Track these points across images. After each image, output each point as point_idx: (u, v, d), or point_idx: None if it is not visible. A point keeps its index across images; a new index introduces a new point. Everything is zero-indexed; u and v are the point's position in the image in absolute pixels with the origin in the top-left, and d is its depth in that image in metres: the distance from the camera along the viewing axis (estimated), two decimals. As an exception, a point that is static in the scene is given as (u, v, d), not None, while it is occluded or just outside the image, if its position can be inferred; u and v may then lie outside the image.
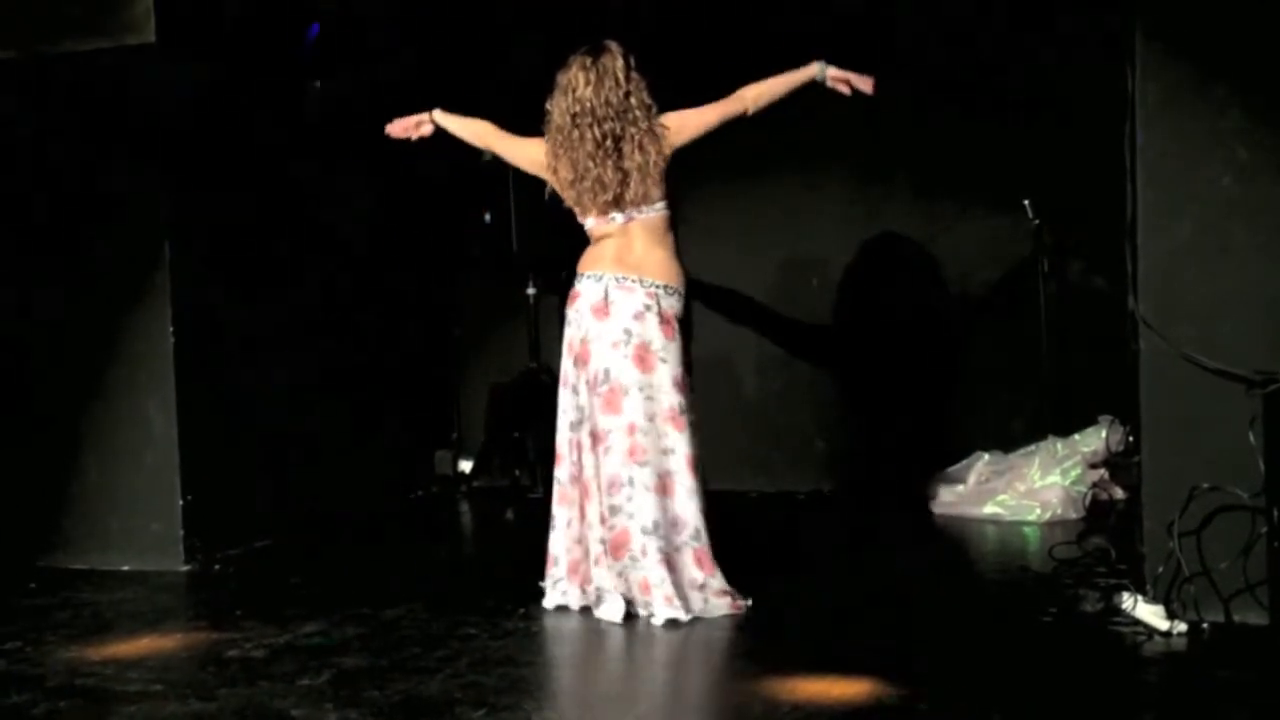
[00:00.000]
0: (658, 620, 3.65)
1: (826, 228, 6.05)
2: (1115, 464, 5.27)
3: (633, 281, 3.77)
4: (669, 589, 3.65)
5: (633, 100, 3.75)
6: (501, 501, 6.12)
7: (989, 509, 5.28)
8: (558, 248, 5.91)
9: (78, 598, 4.24)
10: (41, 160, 4.76)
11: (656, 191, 3.79)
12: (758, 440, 6.16)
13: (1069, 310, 5.68)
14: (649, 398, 3.73)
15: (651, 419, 3.72)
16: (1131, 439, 4.98)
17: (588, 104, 3.74)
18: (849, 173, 6.03)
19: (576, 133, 3.75)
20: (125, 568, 4.66)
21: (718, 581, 3.73)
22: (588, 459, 3.79)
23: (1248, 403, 3.35)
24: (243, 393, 4.97)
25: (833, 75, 3.93)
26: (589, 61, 3.78)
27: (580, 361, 3.81)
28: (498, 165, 6.14)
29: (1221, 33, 3.45)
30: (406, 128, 4.24)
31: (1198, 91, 3.45)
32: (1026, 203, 5.55)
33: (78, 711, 3.05)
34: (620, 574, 3.70)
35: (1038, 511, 5.17)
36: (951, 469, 5.56)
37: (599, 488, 3.74)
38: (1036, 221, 5.57)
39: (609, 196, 3.77)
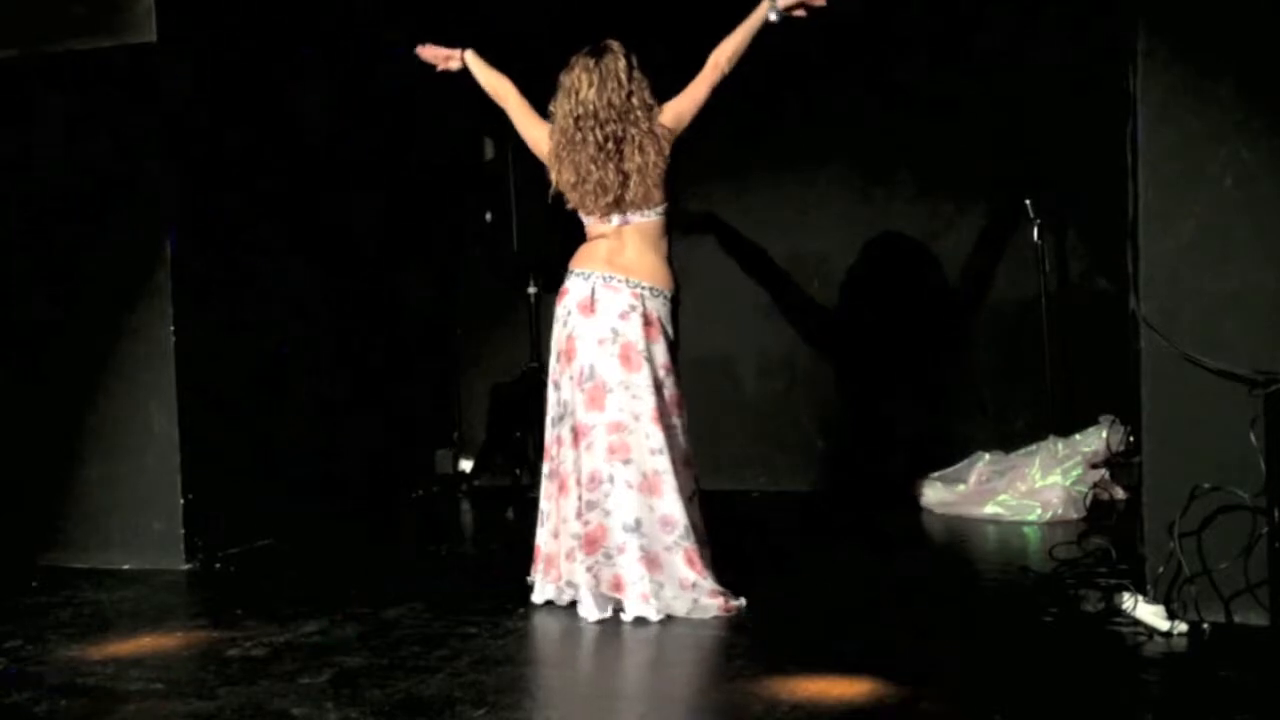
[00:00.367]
0: (626, 616, 3.66)
1: (828, 227, 6.05)
2: (1116, 464, 5.27)
3: (619, 281, 3.78)
4: (645, 587, 3.65)
5: (634, 101, 3.76)
6: (502, 501, 6.12)
7: (990, 509, 5.28)
8: (559, 247, 5.94)
9: (79, 596, 4.24)
10: (43, 158, 4.76)
11: (657, 194, 3.80)
12: (759, 439, 6.17)
13: (1070, 310, 5.68)
14: (634, 396, 3.73)
15: (637, 418, 3.73)
16: (1132, 439, 4.99)
17: (590, 106, 3.75)
18: (850, 172, 6.03)
19: (579, 135, 3.76)
20: (126, 566, 4.67)
21: (709, 582, 3.72)
22: (567, 454, 3.80)
23: (1249, 403, 3.35)
24: (244, 392, 4.97)
25: (783, 4, 3.91)
26: (592, 63, 3.78)
27: (565, 357, 3.83)
28: (499, 165, 6.21)
29: (1223, 32, 3.45)
30: (436, 56, 4.22)
31: (1199, 91, 3.45)
32: (1028, 202, 5.55)
33: (79, 710, 3.05)
34: (590, 569, 3.71)
35: (1038, 511, 5.17)
36: (952, 469, 5.56)
37: (577, 482, 3.75)
38: (1038, 221, 5.57)
39: (610, 199, 3.78)
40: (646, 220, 3.83)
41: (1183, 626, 3.38)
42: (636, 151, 3.75)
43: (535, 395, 6.31)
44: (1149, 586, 3.51)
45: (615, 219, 3.82)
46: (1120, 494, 5.22)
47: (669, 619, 3.66)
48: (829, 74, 5.95)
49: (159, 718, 2.98)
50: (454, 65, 4.16)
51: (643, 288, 3.79)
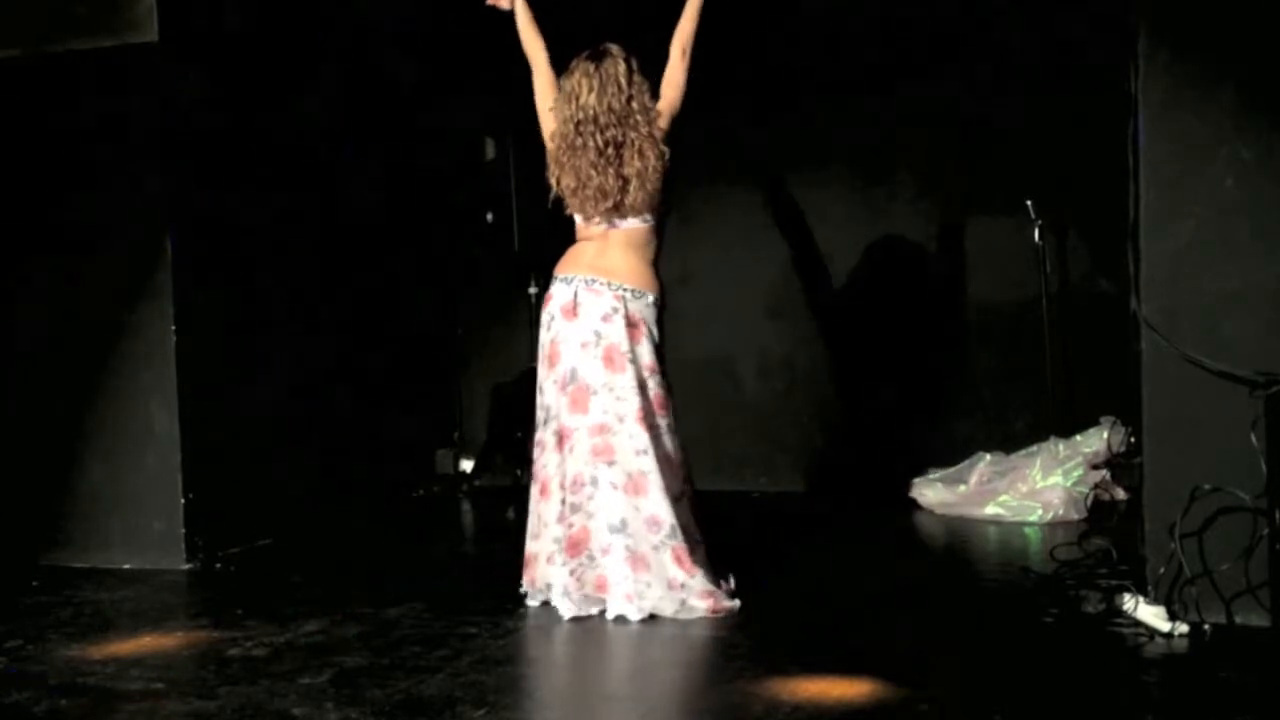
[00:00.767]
0: (609, 615, 3.67)
1: (829, 228, 6.05)
2: (1117, 465, 5.27)
3: (601, 284, 3.79)
4: (629, 587, 3.66)
5: (634, 105, 3.77)
6: (503, 501, 6.12)
7: (990, 509, 5.28)
8: (560, 248, 5.94)
9: (79, 596, 4.25)
10: (44, 158, 4.76)
11: (654, 200, 3.81)
12: (760, 440, 6.17)
13: (1071, 311, 5.68)
14: (618, 398, 3.73)
15: (621, 419, 3.73)
16: (1133, 440, 4.99)
17: (590, 111, 3.75)
18: (852, 173, 6.03)
19: (580, 140, 3.76)
20: (127, 566, 4.67)
21: (699, 582, 3.71)
22: (550, 457, 3.81)
23: (1250, 404, 3.35)
24: (245, 392, 4.97)
25: None
26: (592, 68, 3.79)
27: (550, 362, 3.83)
28: (500, 165, 6.22)
29: (1225, 33, 3.45)
30: None
31: (1201, 92, 3.45)
32: (1029, 203, 5.55)
33: (79, 710, 3.05)
34: (573, 572, 3.71)
35: (1039, 512, 5.17)
36: (953, 469, 5.56)
37: (560, 486, 3.76)
38: (1039, 222, 5.57)
39: (609, 204, 3.79)
40: (634, 227, 3.84)
41: (1183, 627, 3.38)
42: (636, 156, 3.75)
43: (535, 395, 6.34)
44: (1150, 587, 3.51)
45: (604, 223, 3.83)
46: (1121, 495, 5.22)
47: (666, 620, 3.66)
48: (830, 75, 5.95)
49: (159, 717, 2.98)
50: (504, 3, 4.08)
51: (625, 290, 3.79)
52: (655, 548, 3.70)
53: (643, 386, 3.77)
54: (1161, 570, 3.47)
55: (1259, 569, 3.36)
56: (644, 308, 3.83)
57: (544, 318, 3.88)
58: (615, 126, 3.75)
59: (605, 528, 3.69)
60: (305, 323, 5.41)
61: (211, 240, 4.82)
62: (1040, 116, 5.60)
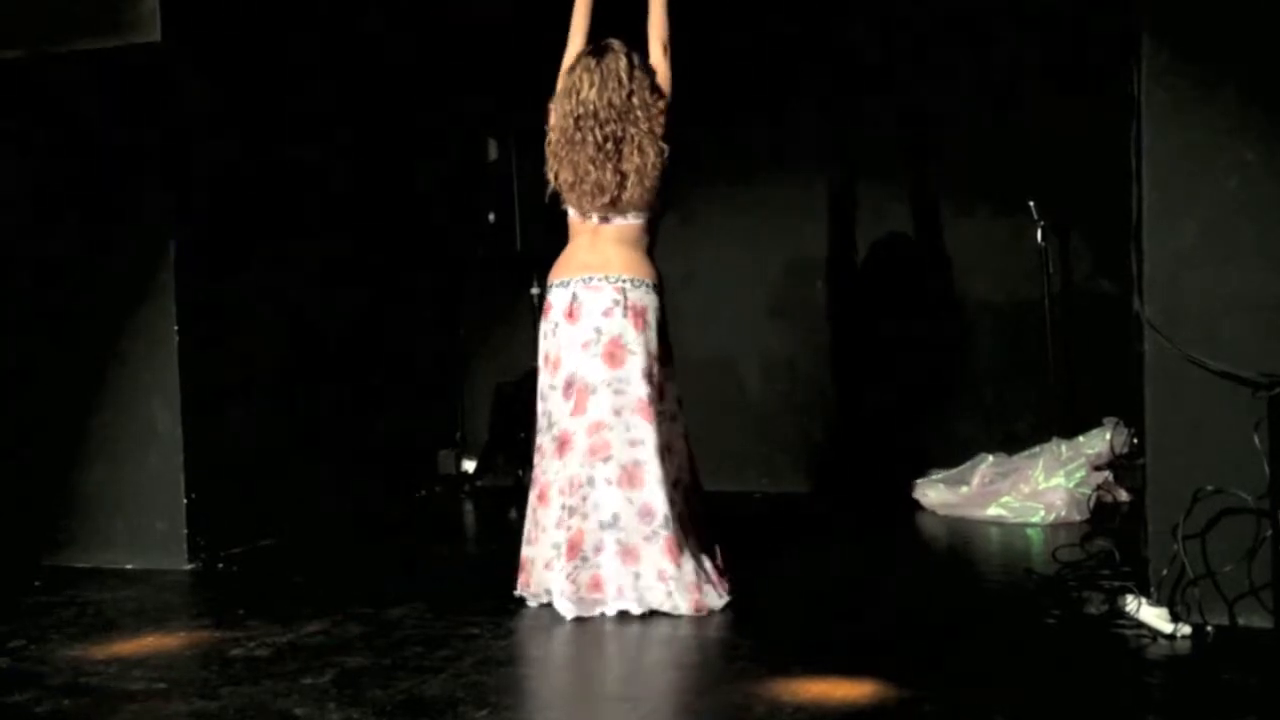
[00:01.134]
0: (609, 613, 3.67)
1: (831, 228, 6.05)
2: (1119, 466, 5.27)
3: (599, 280, 3.79)
4: (622, 579, 3.66)
5: (635, 100, 3.76)
6: (505, 501, 6.12)
7: (993, 511, 5.27)
8: (562, 248, 5.94)
9: (82, 596, 4.25)
10: (47, 158, 4.76)
11: (651, 197, 3.81)
12: (761, 441, 6.17)
13: (1074, 312, 5.68)
14: (617, 392, 3.73)
15: (619, 413, 3.73)
16: (1136, 441, 4.99)
17: (591, 106, 3.75)
18: (854, 173, 6.03)
19: (579, 135, 3.76)
20: (129, 566, 4.67)
21: (687, 574, 3.70)
22: (550, 464, 3.81)
23: (1253, 405, 3.34)
24: (247, 392, 4.97)
25: None
26: (593, 63, 3.78)
27: (552, 367, 3.83)
28: (503, 165, 6.22)
29: (1228, 35, 3.45)
30: None
31: (1204, 93, 3.44)
32: (1032, 204, 5.55)
33: (81, 710, 3.05)
34: (569, 575, 3.71)
35: (1042, 513, 5.17)
36: (955, 470, 5.56)
37: (560, 491, 3.76)
38: (1042, 223, 5.56)
39: (606, 199, 3.79)
40: (627, 223, 3.84)
41: (1186, 629, 3.38)
42: (636, 152, 3.75)
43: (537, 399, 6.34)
44: (1152, 589, 3.51)
45: (595, 218, 3.83)
46: (1124, 496, 5.21)
47: (667, 620, 3.66)
48: (832, 77, 5.95)
49: (162, 718, 2.98)
50: None
51: (624, 280, 3.79)
52: (647, 538, 3.70)
53: (648, 375, 3.76)
54: (1164, 571, 3.47)
55: (1262, 570, 3.36)
56: (645, 294, 3.82)
57: (545, 327, 3.88)
58: (615, 122, 3.74)
59: (598, 525, 3.70)
60: (308, 322, 5.40)
61: (216, 240, 4.82)
62: (1043, 117, 5.60)
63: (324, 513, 5.37)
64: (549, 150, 3.86)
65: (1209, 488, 3.39)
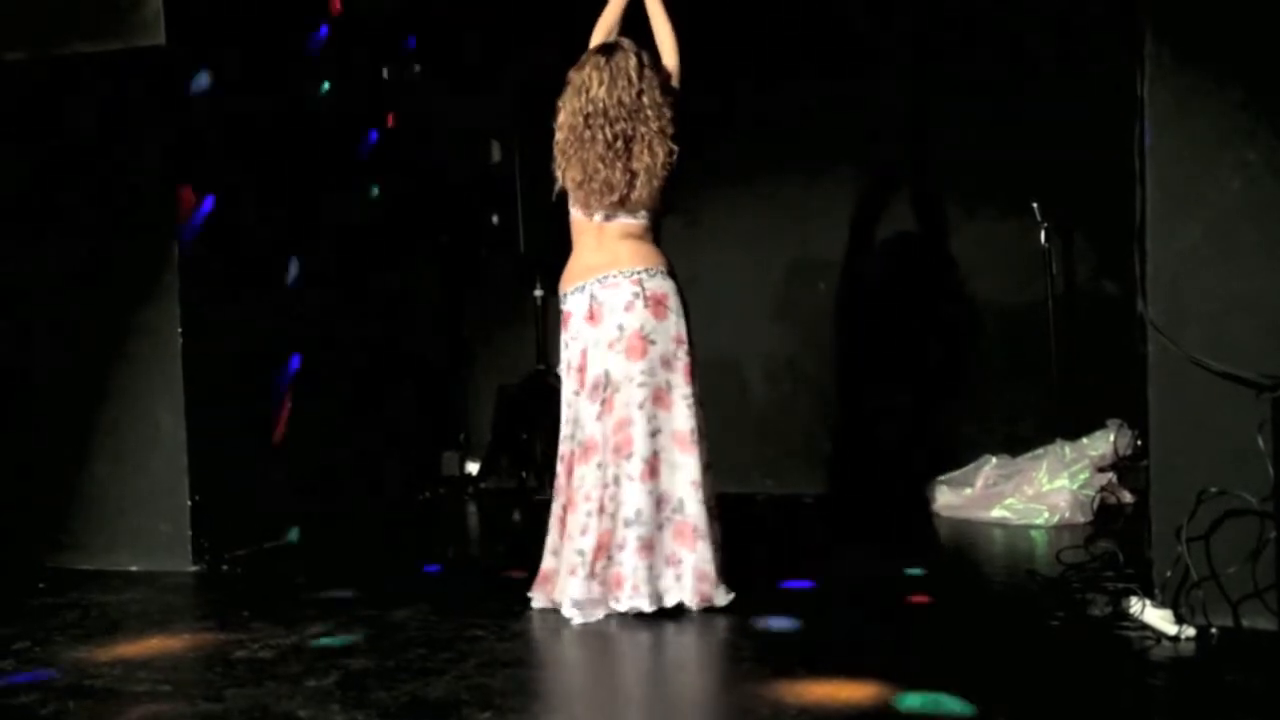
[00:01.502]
0: (621, 608, 3.67)
1: (835, 230, 6.05)
2: (1123, 468, 5.27)
3: (615, 276, 3.78)
4: (640, 576, 3.66)
5: (645, 99, 3.75)
6: (509, 503, 6.13)
7: (996, 512, 5.27)
8: (565, 249, 5.95)
9: (86, 598, 4.25)
10: (52, 161, 4.77)
11: (658, 197, 3.81)
12: (765, 443, 6.17)
13: (1077, 313, 5.68)
14: (640, 385, 3.73)
15: (641, 405, 3.73)
16: (1139, 442, 4.98)
17: (600, 104, 3.74)
18: (857, 174, 6.03)
19: (589, 133, 3.75)
20: (134, 568, 4.68)
21: (697, 562, 3.71)
22: (579, 469, 3.78)
23: (1256, 406, 3.34)
24: (251, 393, 4.98)
25: None
26: (602, 61, 3.78)
27: (580, 373, 3.82)
28: (506, 167, 6.23)
29: (1231, 36, 3.45)
30: None
31: (1207, 94, 3.44)
32: (1035, 206, 5.55)
33: (85, 711, 3.06)
34: (595, 574, 3.70)
35: (1045, 515, 5.17)
36: (959, 472, 5.56)
37: (585, 497, 3.74)
38: (1045, 224, 5.56)
39: (615, 198, 3.78)
40: (634, 221, 3.83)
41: (1190, 631, 3.37)
42: (646, 151, 3.74)
43: (541, 398, 6.34)
44: (1156, 590, 3.51)
45: (600, 216, 3.82)
46: (1127, 498, 5.21)
47: (672, 622, 3.66)
48: (835, 78, 5.95)
49: (165, 719, 2.98)
50: None
51: (639, 272, 3.79)
52: (660, 525, 3.71)
53: (668, 362, 3.77)
54: (1168, 573, 3.46)
55: (1266, 572, 3.35)
56: (662, 281, 3.81)
57: (565, 338, 3.87)
58: (625, 120, 3.74)
59: (622, 523, 3.70)
60: (312, 325, 5.41)
61: (219, 242, 4.83)
62: (1046, 119, 5.60)
63: (327, 514, 5.37)
64: (557, 149, 3.85)
65: (1213, 489, 3.39)
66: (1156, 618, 3.44)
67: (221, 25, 4.88)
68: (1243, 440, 3.35)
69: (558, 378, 6.26)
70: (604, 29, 3.98)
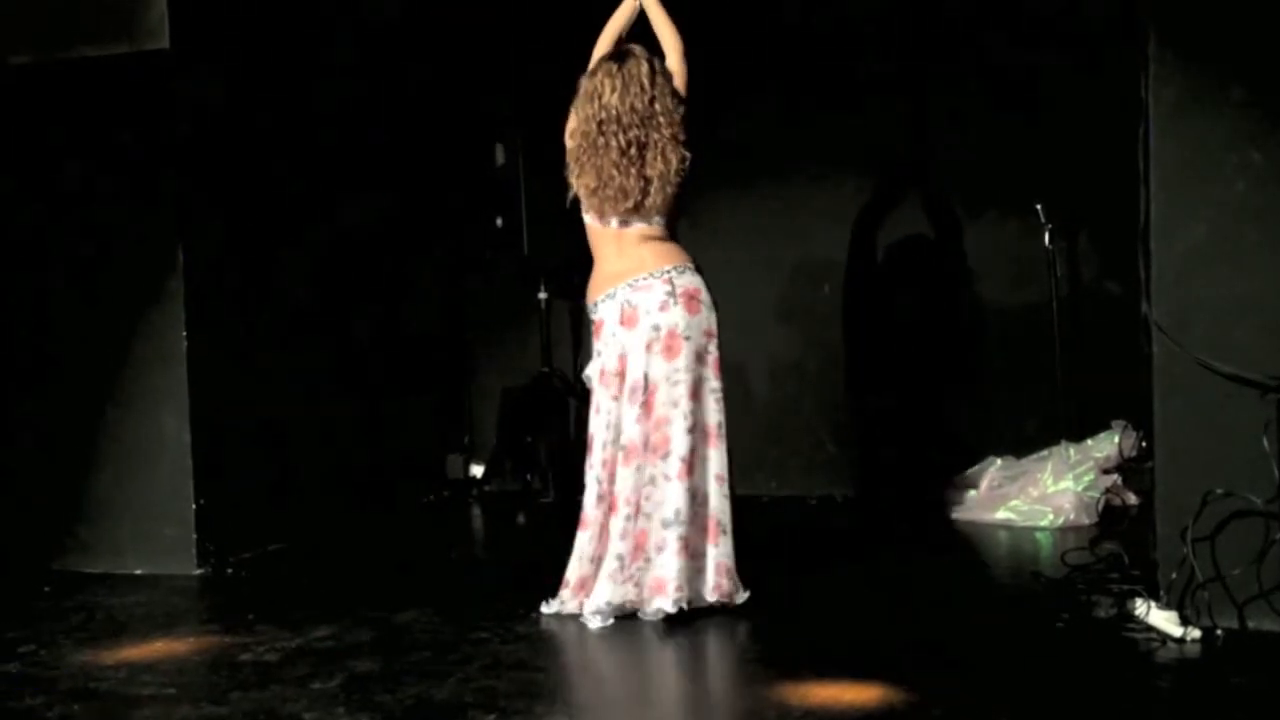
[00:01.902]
0: (657, 611, 3.67)
1: (839, 231, 6.05)
2: (1128, 469, 5.25)
3: (645, 278, 3.79)
4: (684, 577, 3.66)
5: (657, 106, 3.75)
6: (513, 506, 6.13)
7: (1001, 514, 5.26)
8: (569, 252, 5.95)
9: (91, 601, 4.26)
10: (57, 165, 4.78)
11: (672, 202, 3.81)
12: (770, 444, 6.16)
13: (1082, 314, 5.67)
14: (675, 383, 3.75)
15: (676, 404, 3.74)
16: (1144, 444, 4.97)
17: (613, 110, 3.74)
18: (860, 176, 6.02)
19: (602, 140, 3.75)
20: (139, 571, 4.68)
21: (719, 554, 3.74)
22: (621, 471, 3.76)
23: (1262, 407, 3.34)
24: (256, 397, 4.98)
25: None
26: (615, 68, 3.78)
27: (619, 378, 3.81)
28: (510, 169, 6.22)
29: (1235, 37, 3.45)
30: None
31: (1211, 95, 3.44)
32: (1039, 206, 5.54)
33: (91, 715, 3.07)
34: (633, 579, 3.70)
35: (1050, 517, 5.16)
36: (964, 474, 5.55)
37: (625, 501, 3.73)
38: (1049, 225, 5.55)
39: (630, 204, 3.78)
40: (650, 226, 3.84)
41: (1196, 633, 3.37)
42: (659, 158, 3.74)
43: (546, 400, 6.34)
44: (1162, 592, 3.50)
45: (616, 223, 3.82)
46: (1132, 499, 5.20)
47: (678, 624, 3.66)
48: (839, 79, 5.95)
49: (171, 722, 2.98)
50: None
51: (669, 271, 3.80)
52: (691, 520, 3.72)
53: (699, 357, 3.78)
54: (1173, 575, 3.46)
55: (1271, 573, 3.35)
56: (692, 277, 3.83)
57: (598, 346, 3.86)
58: (638, 127, 3.74)
59: (660, 524, 3.70)
60: (316, 327, 5.41)
61: (223, 245, 4.84)
62: (1050, 120, 5.59)
63: (332, 517, 5.37)
64: (570, 155, 3.85)
65: (1218, 491, 3.39)
66: (1162, 619, 3.44)
67: (227, 28, 4.88)
68: (1248, 441, 3.34)
69: (563, 380, 6.34)
70: (609, 38, 3.98)
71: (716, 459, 3.80)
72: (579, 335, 6.53)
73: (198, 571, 4.64)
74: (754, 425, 6.17)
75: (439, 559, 5.02)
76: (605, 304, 3.85)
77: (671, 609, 3.66)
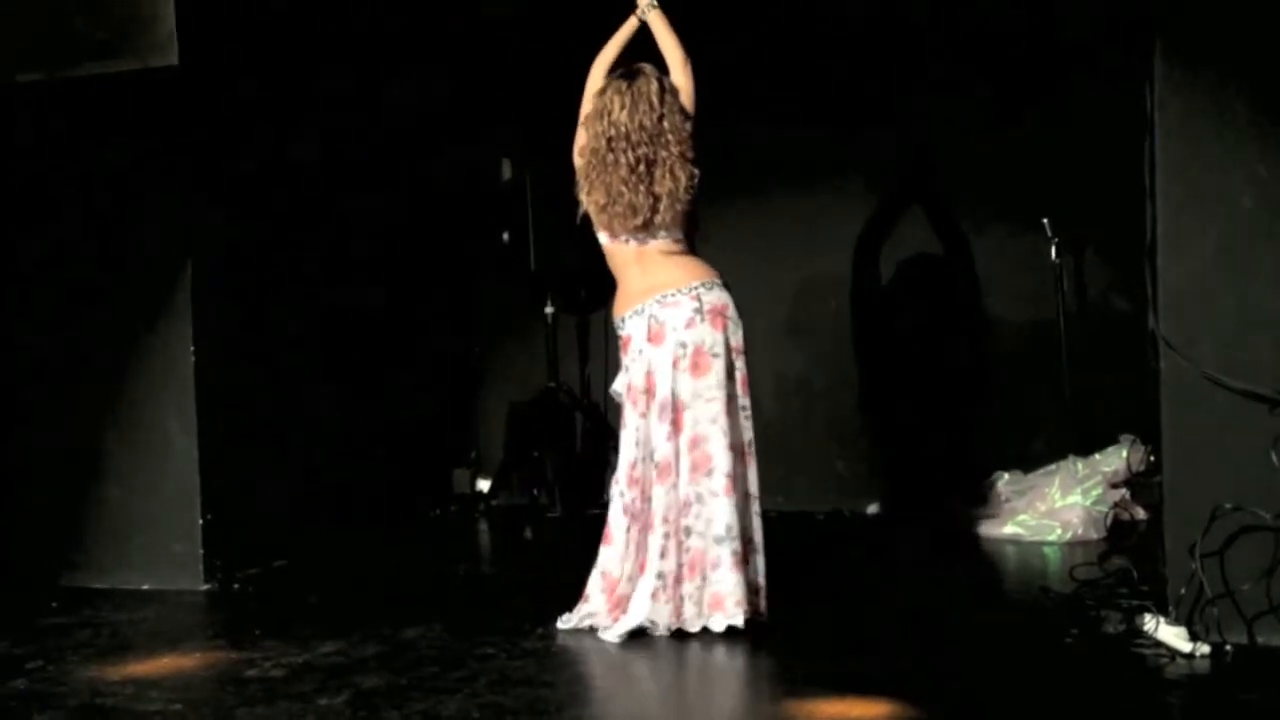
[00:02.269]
0: (719, 627, 3.65)
1: (845, 246, 6.05)
2: (1136, 484, 5.24)
3: (673, 294, 3.79)
4: (740, 592, 3.66)
5: (665, 124, 3.76)
6: (520, 520, 6.12)
7: (1009, 529, 5.25)
8: (576, 266, 5.96)
9: (99, 617, 4.26)
10: (65, 181, 4.80)
11: (683, 218, 3.82)
12: (777, 460, 6.13)
13: (1089, 329, 5.67)
14: (708, 400, 3.74)
15: (714, 420, 3.74)
16: (1153, 458, 4.97)
17: (622, 128, 3.75)
18: (867, 190, 6.03)
19: (611, 156, 3.76)
20: (146, 587, 4.68)
21: (750, 571, 3.76)
22: (656, 489, 3.75)
23: (1270, 422, 3.33)
24: (263, 412, 4.99)
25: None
26: (624, 85, 3.80)
27: (648, 395, 3.80)
28: (517, 184, 6.24)
29: (1241, 52, 3.45)
30: None
31: (1216, 111, 3.44)
32: (1046, 221, 5.54)
33: (98, 731, 3.07)
34: (690, 597, 3.69)
35: (1058, 531, 5.14)
36: (972, 488, 5.54)
37: (662, 519, 3.72)
38: (1056, 240, 5.56)
39: (639, 221, 3.78)
40: (668, 241, 3.84)
41: (1205, 648, 3.36)
42: (668, 175, 3.75)
43: (553, 415, 6.34)
44: (1171, 607, 3.49)
45: (634, 241, 3.83)
46: (1141, 514, 5.19)
47: (686, 640, 3.65)
48: (846, 95, 5.96)
49: (178, 738, 2.98)
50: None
51: (697, 287, 3.80)
52: (736, 536, 3.72)
53: (730, 372, 3.79)
54: (1182, 590, 3.45)
55: (1281, 589, 3.34)
56: (720, 293, 3.83)
57: (626, 360, 3.86)
58: (647, 144, 3.75)
59: (714, 541, 3.70)
60: (323, 343, 5.42)
61: (231, 260, 4.85)
62: (1057, 135, 5.59)
63: (339, 533, 5.37)
64: (579, 173, 3.86)
65: (1227, 505, 3.38)
66: (1171, 635, 3.42)
67: (235, 45, 4.90)
68: (1256, 456, 3.34)
69: (569, 395, 6.34)
70: (605, 62, 3.97)
71: (749, 476, 3.82)
72: (586, 350, 6.54)
73: (205, 587, 4.64)
74: (761, 441, 6.12)
75: (446, 574, 5.01)
76: (633, 320, 3.85)
77: (734, 622, 3.65)
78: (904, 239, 5.98)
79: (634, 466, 3.82)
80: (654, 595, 3.69)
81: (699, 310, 3.77)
